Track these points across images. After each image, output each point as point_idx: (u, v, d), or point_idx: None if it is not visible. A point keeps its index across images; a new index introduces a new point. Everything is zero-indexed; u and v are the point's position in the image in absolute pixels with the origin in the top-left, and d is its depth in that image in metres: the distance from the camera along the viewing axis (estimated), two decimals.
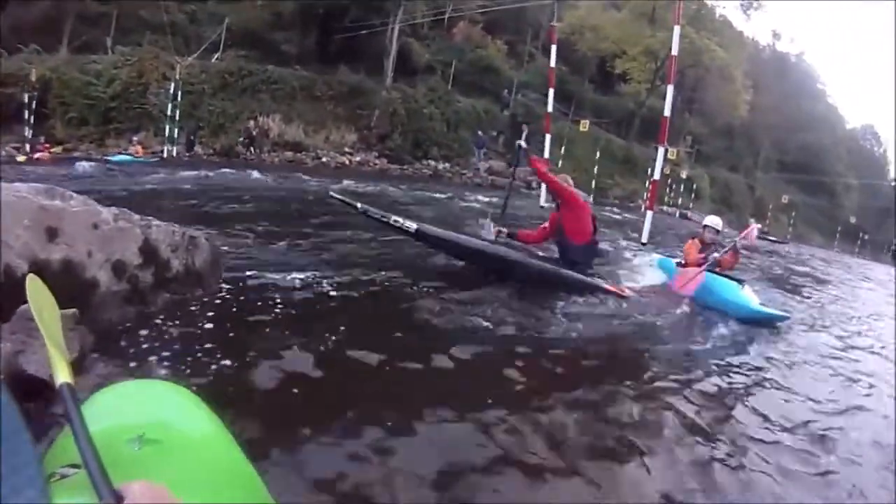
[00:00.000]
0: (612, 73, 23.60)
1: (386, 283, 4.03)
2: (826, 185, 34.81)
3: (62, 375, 0.61)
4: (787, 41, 49.39)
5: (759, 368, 3.54)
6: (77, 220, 2.63)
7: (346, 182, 11.73)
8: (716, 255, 4.88)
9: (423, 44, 19.94)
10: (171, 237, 3.09)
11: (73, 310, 2.26)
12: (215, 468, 0.78)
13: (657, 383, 3.02)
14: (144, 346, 2.45)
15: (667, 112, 8.80)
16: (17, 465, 0.42)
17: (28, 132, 13.73)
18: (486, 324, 3.39)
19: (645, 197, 20.32)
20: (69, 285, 2.43)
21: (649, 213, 8.73)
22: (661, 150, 9.00)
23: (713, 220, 5.34)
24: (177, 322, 2.74)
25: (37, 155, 12.58)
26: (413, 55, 19.02)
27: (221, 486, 0.75)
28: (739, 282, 4.68)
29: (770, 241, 18.02)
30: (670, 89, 8.88)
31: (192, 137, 15.64)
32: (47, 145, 13.43)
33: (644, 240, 8.37)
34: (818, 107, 40.07)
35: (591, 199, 13.67)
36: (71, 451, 0.58)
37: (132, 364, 2.29)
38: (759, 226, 6.55)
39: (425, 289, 3.94)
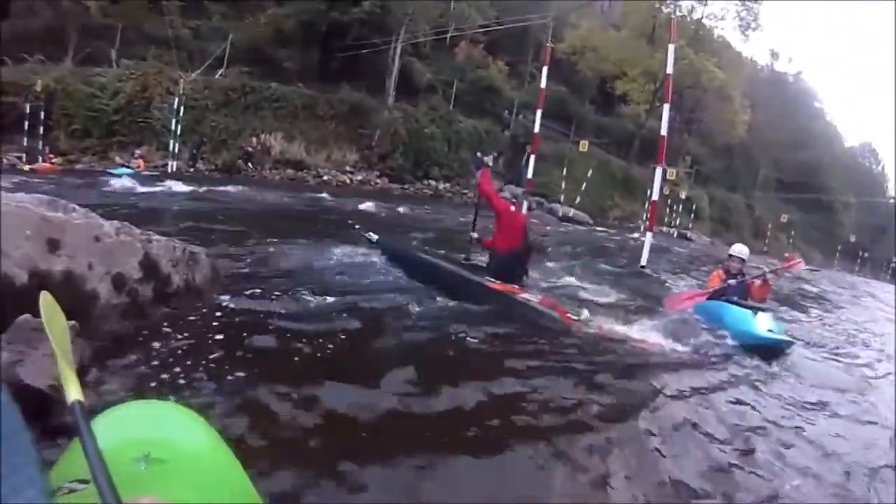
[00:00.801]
0: (613, 95, 23.74)
1: (385, 299, 4.13)
2: (824, 203, 34.84)
3: (73, 393, 0.63)
4: (785, 61, 49.51)
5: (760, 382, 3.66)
6: (79, 232, 2.63)
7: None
8: (731, 281, 4.86)
9: (424, 63, 20.04)
10: (172, 252, 3.12)
11: (73, 322, 2.22)
12: (218, 487, 0.80)
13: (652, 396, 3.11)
14: (142, 359, 2.46)
15: (663, 132, 8.59)
16: (17, 465, 0.41)
17: (26, 142, 13.78)
18: (479, 348, 3.49)
19: (644, 218, 20.42)
20: (69, 297, 2.41)
21: (649, 235, 8.58)
22: (658, 171, 8.85)
23: (738, 250, 5.16)
24: (175, 337, 2.76)
25: (36, 166, 12.56)
26: (415, 74, 19.11)
27: None
28: (755, 309, 4.54)
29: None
30: (666, 108, 8.67)
31: (195, 152, 15.67)
32: (51, 156, 13.42)
33: (643, 262, 8.21)
34: (816, 125, 40.29)
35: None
36: (77, 466, 0.59)
37: (129, 377, 2.29)
38: (802, 262, 6.33)
39: (421, 303, 4.09)
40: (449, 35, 19.11)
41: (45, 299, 0.85)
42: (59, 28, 16.66)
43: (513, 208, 4.87)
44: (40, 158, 13.31)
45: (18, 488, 0.41)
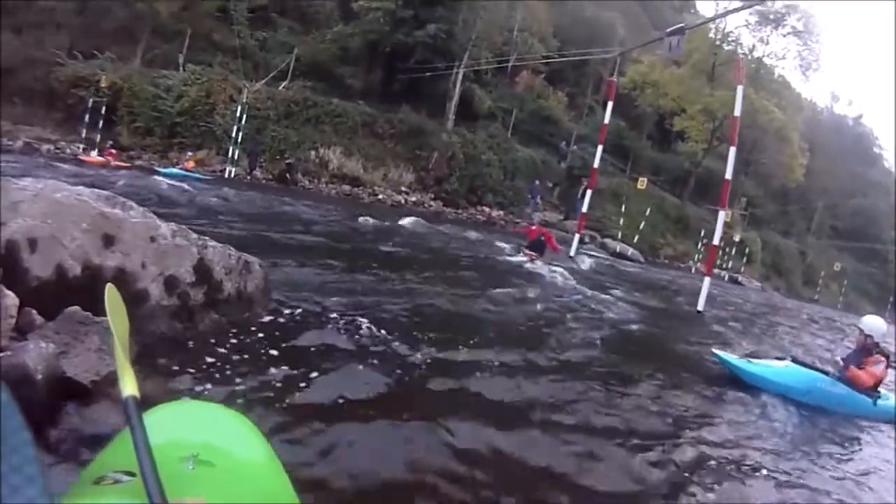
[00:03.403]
0: (670, 131, 23.28)
1: (427, 326, 4.08)
2: (879, 252, 33.49)
3: (129, 388, 0.63)
4: (845, 104, 48.10)
5: None
6: (135, 230, 2.66)
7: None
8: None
9: (485, 90, 20.01)
10: (227, 259, 3.11)
11: None
12: (263, 497, 0.80)
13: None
14: (185, 362, 2.44)
15: (728, 175, 8.54)
16: (17, 463, 0.42)
17: (85, 133, 14.28)
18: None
19: (696, 259, 19.80)
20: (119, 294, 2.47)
21: (707, 280, 8.30)
22: (721, 214, 8.64)
23: (869, 324, 4.61)
24: (222, 344, 2.73)
25: (85, 157, 12.82)
26: (475, 100, 19.09)
27: None
28: (825, 373, 4.56)
29: None
30: (733, 151, 8.42)
31: (258, 160, 15.78)
32: (111, 151, 13.68)
33: (700, 307, 8.06)
34: (874, 172, 38.84)
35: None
36: (122, 457, 0.61)
37: (171, 378, 2.28)
38: None
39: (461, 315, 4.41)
40: (511, 64, 19.04)
41: (111, 292, 0.84)
42: (130, 28, 17.20)
43: (534, 227, 10.17)
44: (96, 151, 13.60)
45: (18, 487, 0.41)
